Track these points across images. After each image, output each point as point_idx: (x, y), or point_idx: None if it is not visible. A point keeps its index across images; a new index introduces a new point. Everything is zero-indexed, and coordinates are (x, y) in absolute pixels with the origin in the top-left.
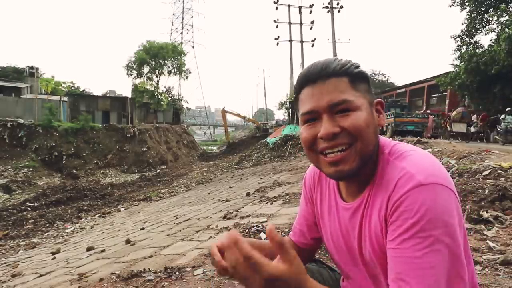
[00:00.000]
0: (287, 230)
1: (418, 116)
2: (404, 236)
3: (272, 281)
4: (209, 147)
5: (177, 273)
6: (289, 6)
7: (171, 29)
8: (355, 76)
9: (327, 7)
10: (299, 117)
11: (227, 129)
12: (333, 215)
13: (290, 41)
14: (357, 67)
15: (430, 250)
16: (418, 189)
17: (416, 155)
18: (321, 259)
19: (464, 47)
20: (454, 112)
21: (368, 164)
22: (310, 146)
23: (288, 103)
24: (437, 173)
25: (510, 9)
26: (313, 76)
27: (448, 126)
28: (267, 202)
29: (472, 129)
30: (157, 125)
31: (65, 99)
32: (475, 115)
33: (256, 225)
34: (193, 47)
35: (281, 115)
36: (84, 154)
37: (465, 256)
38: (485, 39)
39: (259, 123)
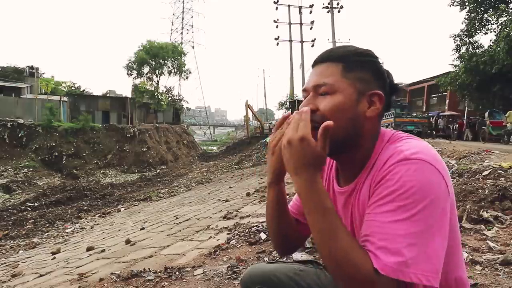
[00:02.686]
0: None
1: (418, 116)
2: (379, 202)
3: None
4: (209, 147)
5: (177, 273)
6: (289, 6)
7: (171, 29)
8: (352, 63)
9: (327, 7)
10: None
11: (249, 123)
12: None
13: (290, 41)
14: (360, 54)
15: (404, 219)
16: (403, 162)
17: (412, 139)
18: (317, 260)
19: (464, 47)
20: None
21: (355, 148)
22: None
23: (288, 103)
24: (427, 152)
25: (510, 10)
26: (315, 60)
27: None
28: None
29: None
30: (157, 125)
31: (65, 99)
32: None
33: (256, 225)
34: (193, 47)
35: (281, 115)
36: (84, 154)
37: (452, 246)
38: (484, 39)
39: (264, 122)
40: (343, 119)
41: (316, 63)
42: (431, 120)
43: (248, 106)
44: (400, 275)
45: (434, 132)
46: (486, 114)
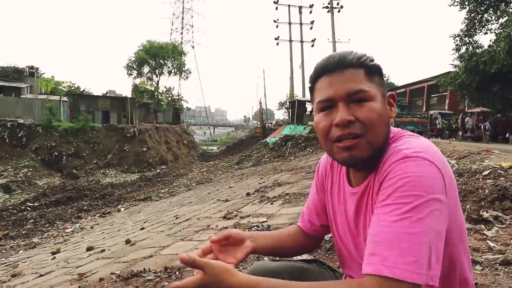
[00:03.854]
0: None
1: (417, 116)
2: (384, 202)
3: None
4: (209, 147)
5: (177, 273)
6: (289, 6)
7: (171, 29)
8: (370, 69)
9: (327, 7)
10: (314, 106)
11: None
12: (341, 201)
13: (290, 41)
14: (372, 60)
15: (408, 217)
16: (403, 160)
17: (413, 137)
18: (321, 259)
19: (464, 47)
20: None
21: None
22: (325, 134)
23: (288, 103)
24: (426, 150)
25: (510, 10)
26: (331, 66)
27: None
28: (267, 202)
29: None
30: (157, 125)
31: (65, 99)
32: None
33: (256, 225)
34: (193, 47)
35: (280, 115)
36: (84, 154)
37: (460, 246)
38: (484, 39)
39: (265, 122)
40: (382, 126)
41: (334, 69)
42: (456, 119)
43: (260, 104)
44: (415, 278)
45: (460, 133)
46: None
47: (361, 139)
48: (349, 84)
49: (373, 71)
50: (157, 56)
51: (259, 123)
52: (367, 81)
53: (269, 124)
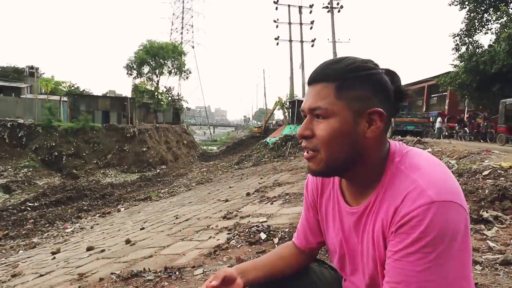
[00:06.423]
0: (287, 230)
1: (417, 116)
2: (408, 249)
3: None
4: (209, 147)
5: (177, 273)
6: (289, 6)
7: (171, 29)
8: (348, 82)
9: (327, 7)
10: None
11: (272, 116)
12: (336, 219)
13: (290, 41)
14: (359, 70)
15: (433, 265)
16: (429, 206)
17: (428, 167)
18: (322, 259)
19: (464, 46)
20: None
21: (359, 167)
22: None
23: (288, 103)
24: (449, 188)
25: (510, 10)
26: (310, 78)
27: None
28: (267, 202)
29: None
30: (157, 125)
31: (65, 99)
32: None
33: (256, 225)
34: (193, 47)
35: (281, 115)
36: (84, 154)
37: None
38: (484, 39)
39: (269, 122)
40: (340, 144)
41: (311, 81)
42: None
43: (280, 101)
44: None
45: None
46: None
47: (316, 153)
48: (312, 99)
49: (350, 84)
50: (157, 56)
51: (259, 122)
52: (333, 97)
53: (269, 124)
